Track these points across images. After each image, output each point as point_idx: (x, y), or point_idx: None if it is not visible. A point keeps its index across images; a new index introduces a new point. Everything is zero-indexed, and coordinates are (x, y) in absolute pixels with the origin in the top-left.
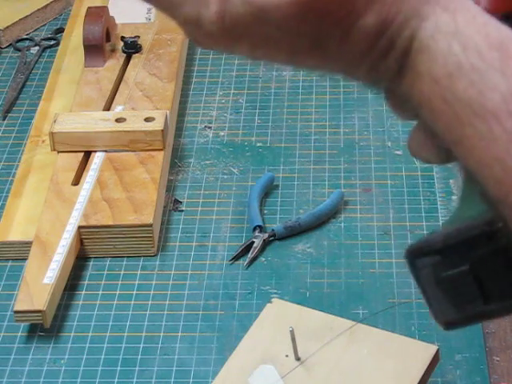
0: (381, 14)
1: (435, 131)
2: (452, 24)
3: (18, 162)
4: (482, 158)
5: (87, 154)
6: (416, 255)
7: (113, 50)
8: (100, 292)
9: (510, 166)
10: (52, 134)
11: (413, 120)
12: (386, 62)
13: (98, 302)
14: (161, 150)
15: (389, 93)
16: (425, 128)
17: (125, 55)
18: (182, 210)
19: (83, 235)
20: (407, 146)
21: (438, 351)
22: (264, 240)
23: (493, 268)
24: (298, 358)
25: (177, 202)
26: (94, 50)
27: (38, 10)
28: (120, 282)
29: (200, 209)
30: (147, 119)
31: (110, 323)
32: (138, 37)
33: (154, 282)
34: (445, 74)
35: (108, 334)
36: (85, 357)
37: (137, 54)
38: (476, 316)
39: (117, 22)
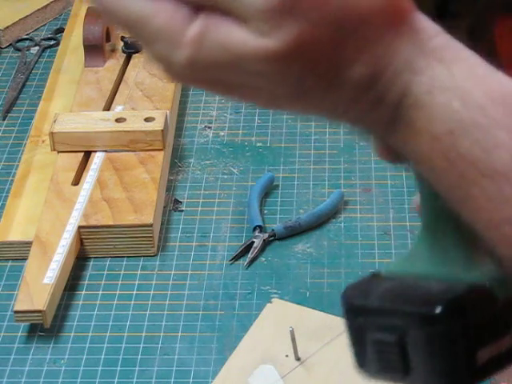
0: (369, 65)
1: (436, 187)
2: (449, 78)
3: (18, 162)
4: (491, 218)
5: (87, 154)
6: (351, 306)
7: (113, 50)
8: (100, 292)
9: None
10: (52, 134)
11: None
12: (375, 114)
13: (97, 302)
14: (161, 150)
15: (377, 140)
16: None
17: (125, 55)
18: (182, 210)
19: (83, 235)
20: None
21: None
22: (264, 240)
23: (421, 348)
24: (298, 358)
25: (177, 202)
26: (94, 50)
27: (38, 10)
28: (120, 282)
29: (200, 209)
30: (147, 119)
31: (110, 323)
32: None
33: (153, 282)
34: (446, 132)
35: (108, 334)
36: (85, 357)
37: (137, 54)
38: (394, 381)
39: None
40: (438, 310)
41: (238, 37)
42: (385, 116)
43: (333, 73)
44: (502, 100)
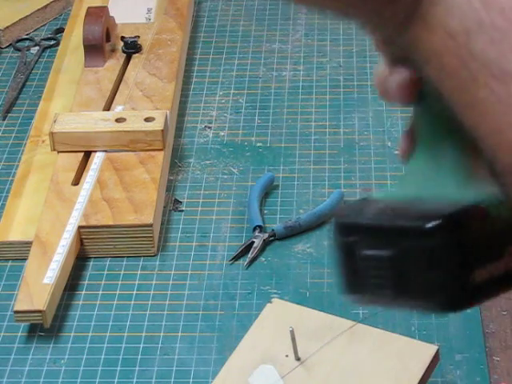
0: None
1: (440, 89)
2: None
3: (18, 161)
4: (496, 122)
5: (87, 154)
6: (342, 225)
7: (113, 50)
8: (100, 292)
9: None
10: (52, 134)
11: (396, 62)
12: (394, 6)
13: (97, 302)
14: (161, 150)
15: (390, 40)
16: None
17: (125, 55)
18: (182, 210)
19: (83, 235)
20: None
21: (437, 351)
22: (264, 240)
23: (417, 263)
24: (298, 358)
25: (177, 202)
26: (94, 50)
27: (38, 10)
28: (120, 282)
29: (200, 209)
30: (147, 119)
31: (110, 323)
32: (138, 37)
33: (153, 282)
34: (462, 30)
35: (108, 334)
36: (85, 357)
37: (137, 54)
38: (380, 304)
39: (117, 22)
40: (435, 222)
41: None
42: (403, 9)
43: None
44: None
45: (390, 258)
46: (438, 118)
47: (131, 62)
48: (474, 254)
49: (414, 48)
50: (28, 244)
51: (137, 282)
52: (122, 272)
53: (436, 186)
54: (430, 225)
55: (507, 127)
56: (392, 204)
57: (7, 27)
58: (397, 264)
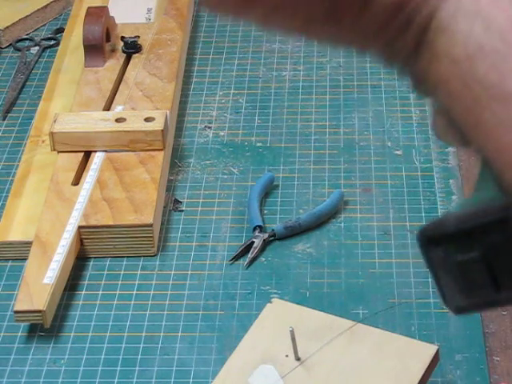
0: None
1: (451, 114)
2: (474, 3)
3: (18, 161)
4: (500, 143)
5: (87, 154)
6: (428, 238)
7: (113, 50)
8: (100, 292)
9: None
10: (52, 134)
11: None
12: (403, 38)
13: (97, 302)
14: (161, 150)
15: (403, 71)
16: (442, 111)
17: (125, 55)
18: (182, 210)
19: (83, 235)
20: (432, 128)
21: (437, 351)
22: (264, 240)
23: (506, 256)
24: (298, 358)
25: (177, 201)
26: (94, 50)
27: (38, 10)
28: (120, 282)
29: (200, 209)
30: (147, 119)
31: (110, 323)
32: (138, 37)
33: (153, 282)
34: (465, 56)
35: (108, 334)
36: (85, 357)
37: (137, 54)
38: (486, 303)
39: (117, 22)
40: None
41: None
42: (411, 41)
43: None
44: None
45: (481, 258)
46: None
47: (131, 62)
48: None
49: (424, 77)
50: (28, 244)
51: (137, 282)
52: (122, 272)
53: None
54: (509, 214)
55: (509, 147)
56: (470, 208)
57: (7, 27)
58: (488, 263)
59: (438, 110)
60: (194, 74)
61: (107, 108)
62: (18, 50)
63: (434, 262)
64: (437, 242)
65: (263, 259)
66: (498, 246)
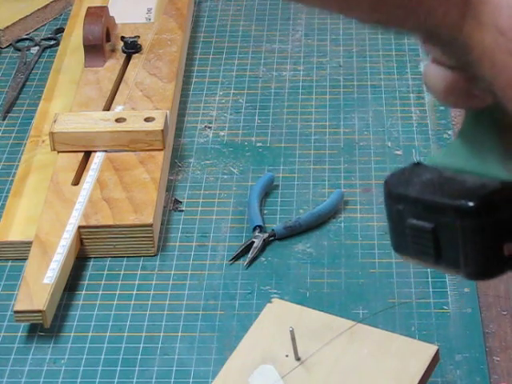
0: None
1: (491, 86)
2: None
3: (18, 161)
4: None
5: (87, 154)
6: (390, 193)
7: (113, 50)
8: (100, 292)
9: None
10: (52, 134)
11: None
12: (446, 5)
13: (97, 302)
14: (161, 149)
15: (434, 42)
16: (470, 78)
17: (125, 55)
18: (182, 210)
19: (83, 235)
20: (426, 86)
21: (437, 351)
22: (264, 240)
23: (454, 236)
24: (298, 358)
25: (177, 201)
26: (94, 50)
27: (38, 9)
28: (120, 282)
29: (200, 209)
30: (147, 119)
31: (110, 323)
32: (138, 37)
33: (153, 282)
34: (510, 27)
35: (108, 334)
36: (85, 357)
37: (137, 54)
38: (425, 264)
39: (117, 22)
40: (473, 204)
41: None
42: (455, 7)
43: None
44: None
45: (432, 230)
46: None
47: (131, 62)
48: (506, 229)
49: (467, 48)
50: (28, 244)
51: (137, 282)
52: (122, 272)
53: (477, 163)
54: (467, 206)
55: None
56: (437, 177)
57: (7, 27)
58: (437, 236)
59: (466, 73)
60: (194, 73)
61: (107, 108)
62: (18, 49)
63: (391, 214)
64: (397, 199)
65: (263, 259)
66: (450, 227)
